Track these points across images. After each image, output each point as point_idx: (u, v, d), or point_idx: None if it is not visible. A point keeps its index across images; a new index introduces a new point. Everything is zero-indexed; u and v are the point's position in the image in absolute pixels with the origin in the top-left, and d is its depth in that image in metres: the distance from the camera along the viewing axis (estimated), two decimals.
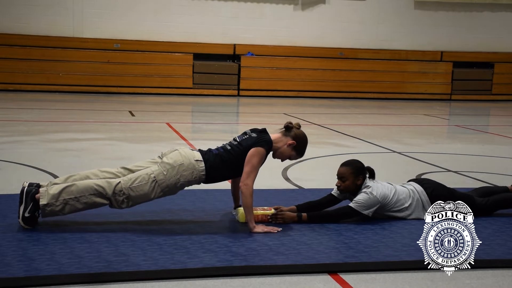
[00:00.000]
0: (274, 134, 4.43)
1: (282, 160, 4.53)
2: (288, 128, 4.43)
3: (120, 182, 4.11)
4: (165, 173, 4.14)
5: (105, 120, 10.46)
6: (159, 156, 4.35)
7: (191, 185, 4.28)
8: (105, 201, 4.12)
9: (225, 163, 4.25)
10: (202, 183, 4.34)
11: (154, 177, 4.14)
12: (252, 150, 4.24)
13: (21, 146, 7.55)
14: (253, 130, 4.42)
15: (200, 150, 4.34)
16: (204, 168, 4.21)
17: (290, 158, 4.49)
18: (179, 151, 4.26)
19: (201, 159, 4.23)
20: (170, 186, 4.17)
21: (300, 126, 4.48)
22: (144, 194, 4.13)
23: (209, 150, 4.37)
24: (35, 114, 10.95)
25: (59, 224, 4.16)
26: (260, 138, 4.31)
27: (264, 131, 4.41)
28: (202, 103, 14.17)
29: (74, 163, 6.54)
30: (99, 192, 4.08)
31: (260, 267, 3.57)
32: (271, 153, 4.43)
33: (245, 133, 4.42)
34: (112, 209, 4.20)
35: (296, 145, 4.40)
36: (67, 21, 14.88)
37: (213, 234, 4.10)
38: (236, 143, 4.34)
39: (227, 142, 4.42)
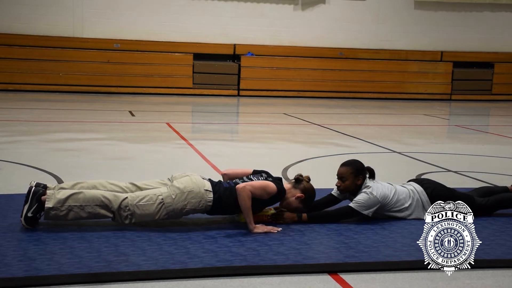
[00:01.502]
0: (285, 184, 4.49)
1: (288, 210, 4.53)
2: (298, 180, 4.48)
3: (127, 197, 4.14)
4: (173, 196, 4.16)
5: (105, 120, 10.46)
6: (168, 178, 4.39)
7: (196, 213, 4.30)
8: (109, 214, 4.14)
9: (234, 197, 4.24)
10: (206, 214, 4.35)
11: (162, 199, 4.15)
12: (267, 181, 4.31)
13: (21, 146, 7.55)
14: (268, 175, 4.47)
15: (210, 180, 4.35)
16: (212, 199, 4.23)
17: (296, 210, 4.50)
18: (190, 177, 4.29)
19: (211, 189, 4.25)
20: (175, 211, 4.19)
21: (309, 180, 4.53)
22: (149, 213, 4.15)
23: (220, 182, 4.41)
24: (35, 114, 10.95)
25: (59, 224, 4.16)
26: (277, 180, 4.39)
27: (280, 179, 4.46)
28: (202, 103, 14.17)
29: (74, 163, 6.54)
30: (105, 204, 4.10)
31: (260, 267, 3.57)
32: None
33: (260, 175, 4.44)
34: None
35: (304, 198, 4.45)
36: (67, 21, 14.88)
37: (213, 234, 4.10)
38: (248, 180, 4.37)
39: (240, 178, 4.45)
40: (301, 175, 4.51)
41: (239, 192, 4.16)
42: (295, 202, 4.45)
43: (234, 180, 4.44)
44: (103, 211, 4.11)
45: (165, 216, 4.19)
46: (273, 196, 4.31)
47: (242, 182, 4.33)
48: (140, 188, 4.31)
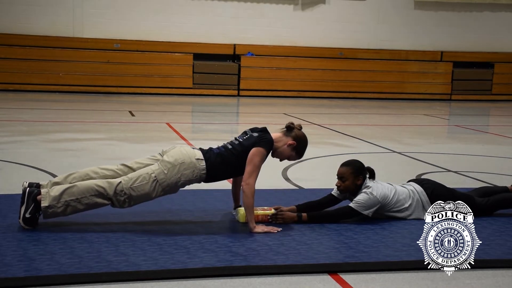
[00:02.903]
0: (275, 133, 4.42)
1: (280, 160, 4.53)
2: (289, 128, 4.42)
3: (121, 182, 4.11)
4: (166, 172, 4.14)
5: (105, 120, 10.46)
6: (159, 153, 4.35)
7: (191, 183, 4.28)
8: (106, 202, 4.12)
9: (226, 162, 4.24)
10: (202, 182, 4.34)
11: (155, 176, 4.13)
12: (253, 150, 4.23)
13: (21, 146, 7.55)
14: (253, 130, 4.41)
15: (201, 149, 4.34)
16: (205, 166, 4.20)
17: (289, 159, 4.48)
18: (179, 149, 4.26)
19: (202, 157, 4.22)
20: (171, 185, 4.17)
21: (301, 128, 4.47)
22: (145, 193, 4.13)
23: (210, 149, 4.37)
24: (35, 114, 10.95)
25: (59, 224, 4.16)
26: (261, 138, 4.30)
27: (264, 130, 4.40)
28: (202, 103, 14.17)
29: (74, 163, 6.54)
30: (100, 193, 4.08)
31: (260, 267, 3.57)
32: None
33: (245, 133, 4.41)
34: (113, 208, 4.20)
35: (296, 145, 4.40)
36: (67, 21, 14.88)
37: (213, 234, 4.10)
38: (237, 142, 4.34)
39: (228, 141, 4.42)
40: (292, 123, 4.43)
41: (244, 190, 4.14)
42: (287, 150, 4.39)
43: (223, 144, 4.41)
44: (100, 200, 4.09)
45: (161, 193, 4.17)
46: (267, 154, 4.28)
47: (230, 144, 4.30)
48: (132, 169, 4.27)
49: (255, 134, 4.34)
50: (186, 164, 4.17)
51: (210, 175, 4.26)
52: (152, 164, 4.24)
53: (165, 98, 14.40)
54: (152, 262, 3.55)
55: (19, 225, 4.08)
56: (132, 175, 4.17)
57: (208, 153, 4.28)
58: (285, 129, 4.44)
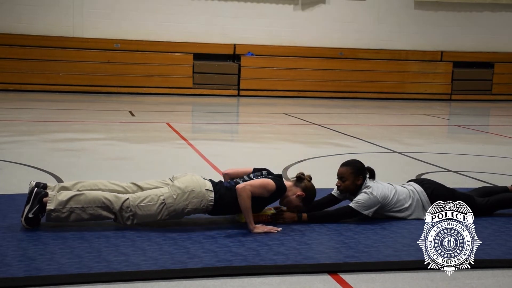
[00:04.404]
0: (286, 182, 4.47)
1: (287, 209, 4.53)
2: (299, 179, 4.48)
3: (128, 198, 4.13)
4: (174, 196, 4.16)
5: (105, 120, 10.46)
6: (170, 178, 4.38)
7: (196, 213, 4.30)
8: (110, 215, 4.14)
9: (235, 197, 4.23)
10: (207, 214, 4.35)
11: (164, 199, 4.15)
12: (266, 179, 4.30)
13: (21, 146, 7.55)
14: (269, 173, 4.47)
15: (211, 181, 4.35)
16: (213, 198, 4.22)
17: (297, 208, 4.50)
18: (191, 177, 4.29)
19: (212, 189, 4.24)
20: (177, 211, 4.19)
21: (311, 179, 4.53)
22: (150, 214, 4.15)
23: (221, 182, 4.41)
24: (35, 114, 10.95)
25: (59, 224, 4.16)
26: (277, 178, 4.38)
27: (280, 176, 4.45)
28: (202, 103, 14.17)
29: (74, 163, 6.55)
30: (106, 206, 4.10)
31: (260, 267, 3.57)
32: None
33: (261, 173, 4.43)
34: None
35: (305, 197, 4.44)
36: (67, 21, 14.88)
37: (213, 234, 4.10)
38: (248, 179, 4.36)
39: (241, 177, 4.44)
40: (302, 174, 4.50)
41: (239, 192, 4.16)
42: (296, 201, 4.44)
43: (234, 180, 4.44)
44: (104, 213, 4.11)
45: (166, 216, 4.19)
46: (273, 194, 4.31)
47: (243, 181, 4.33)
48: (141, 188, 4.31)
49: (270, 177, 4.39)
50: (195, 192, 4.19)
51: (217, 208, 4.27)
52: (162, 187, 4.25)
53: (165, 98, 14.39)
54: (152, 262, 3.55)
55: (19, 225, 4.08)
56: (140, 193, 4.19)
57: (218, 186, 4.30)
58: (295, 179, 4.48)
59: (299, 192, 4.43)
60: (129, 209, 4.11)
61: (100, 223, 4.24)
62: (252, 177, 4.41)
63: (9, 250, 3.66)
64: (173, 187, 4.21)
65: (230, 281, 3.41)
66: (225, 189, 4.29)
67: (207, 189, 4.23)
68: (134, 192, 4.27)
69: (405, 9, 16.64)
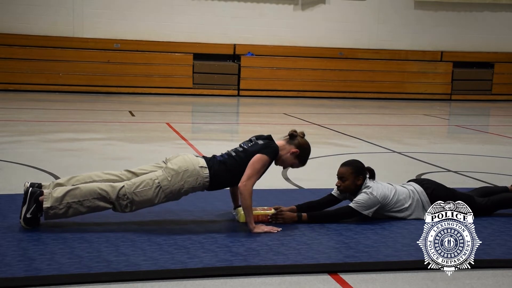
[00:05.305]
0: (278, 141, 4.42)
1: (284, 168, 4.53)
2: (292, 136, 4.42)
3: (124, 186, 4.12)
4: (169, 178, 4.15)
5: (105, 120, 10.46)
6: (163, 161, 4.36)
7: (194, 191, 4.28)
8: (108, 205, 4.13)
9: (230, 170, 4.24)
10: (205, 190, 4.33)
11: (158, 182, 4.14)
12: (256, 156, 4.24)
13: (21, 146, 7.55)
14: (258, 137, 4.42)
15: (204, 157, 4.34)
16: (208, 175, 4.21)
17: (292, 166, 4.48)
18: (183, 156, 4.27)
19: (206, 165, 4.22)
20: (174, 192, 4.17)
21: (304, 135, 4.47)
22: (147, 199, 4.14)
23: (214, 156, 4.37)
24: (35, 114, 10.95)
25: (59, 224, 4.16)
26: (266, 145, 4.31)
27: (270, 138, 4.40)
28: (202, 103, 14.17)
29: (74, 163, 6.55)
30: (103, 196, 4.08)
31: (260, 267, 3.57)
32: None
33: (250, 140, 4.41)
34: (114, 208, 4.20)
35: (299, 153, 4.40)
36: (67, 21, 14.89)
37: (213, 234, 4.10)
38: (241, 149, 4.34)
39: (233, 148, 4.41)
40: (295, 131, 4.43)
41: (241, 191, 4.14)
42: (290, 158, 4.39)
43: (226, 151, 4.41)
44: (102, 203, 4.10)
45: (164, 199, 4.17)
46: (270, 163, 4.28)
47: (235, 153, 4.30)
48: (135, 174, 4.28)
49: (260, 142, 4.35)
50: (189, 171, 4.17)
51: (214, 183, 4.26)
52: (156, 171, 4.25)
53: (165, 98, 14.40)
54: (152, 262, 3.54)
55: (19, 225, 4.08)
56: (135, 180, 4.18)
57: (211, 161, 4.28)
58: (287, 137, 4.44)
59: (293, 149, 4.37)
60: (125, 196, 4.10)
61: (100, 222, 4.23)
62: (243, 145, 4.36)
63: (9, 250, 3.65)
64: (167, 169, 4.19)
65: (230, 281, 3.41)
66: (219, 163, 4.25)
67: (201, 166, 4.20)
68: (128, 179, 4.23)
69: (405, 9, 16.65)
